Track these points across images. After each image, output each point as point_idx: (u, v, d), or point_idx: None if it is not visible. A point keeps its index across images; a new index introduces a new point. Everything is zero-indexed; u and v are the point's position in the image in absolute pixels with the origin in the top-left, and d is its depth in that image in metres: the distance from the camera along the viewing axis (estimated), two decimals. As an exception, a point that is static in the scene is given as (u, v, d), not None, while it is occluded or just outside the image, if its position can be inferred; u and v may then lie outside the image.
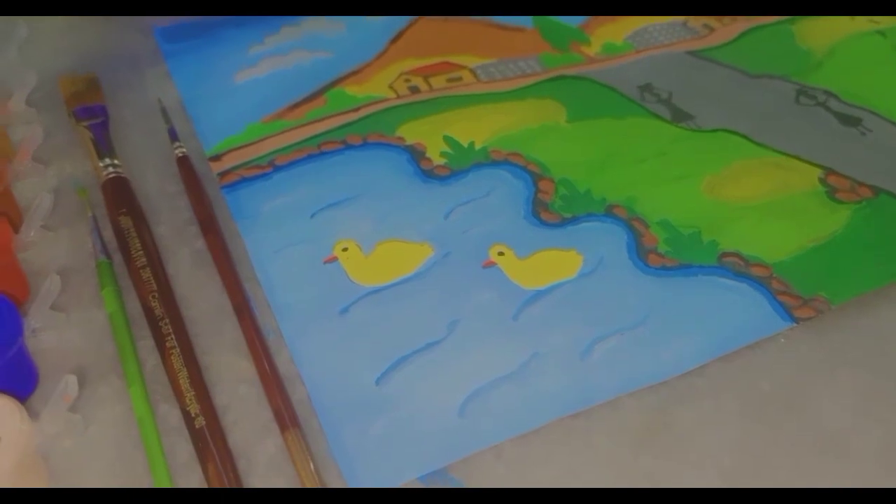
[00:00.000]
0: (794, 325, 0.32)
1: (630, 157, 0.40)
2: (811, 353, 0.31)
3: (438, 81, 0.45)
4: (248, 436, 0.28)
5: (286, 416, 0.27)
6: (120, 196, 0.35)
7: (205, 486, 0.26)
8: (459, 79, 0.45)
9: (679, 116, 0.43)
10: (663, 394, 0.30)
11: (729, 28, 0.50)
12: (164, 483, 0.25)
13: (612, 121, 0.43)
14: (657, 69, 0.46)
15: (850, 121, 0.43)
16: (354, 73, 0.46)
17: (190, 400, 0.27)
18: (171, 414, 0.28)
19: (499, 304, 0.33)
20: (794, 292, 0.33)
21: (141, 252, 0.32)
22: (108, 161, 0.37)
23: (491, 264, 0.34)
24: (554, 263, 0.34)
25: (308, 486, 0.26)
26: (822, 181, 0.39)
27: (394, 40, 0.48)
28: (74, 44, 0.47)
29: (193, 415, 0.27)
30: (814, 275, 0.34)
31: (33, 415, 0.27)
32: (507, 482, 0.27)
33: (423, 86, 0.45)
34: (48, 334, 0.30)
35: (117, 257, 0.33)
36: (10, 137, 0.37)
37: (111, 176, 0.36)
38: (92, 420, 0.28)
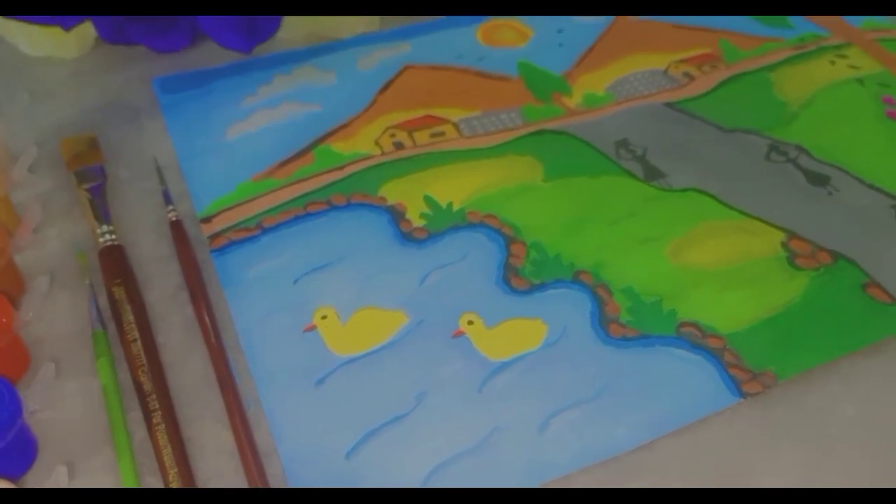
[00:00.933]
0: (741, 399, 0.34)
1: (601, 219, 0.42)
2: (755, 428, 0.33)
3: (422, 137, 0.47)
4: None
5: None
6: (114, 266, 0.37)
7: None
8: (443, 133, 0.47)
9: (651, 174, 0.45)
10: (613, 469, 0.32)
11: (709, 77, 0.52)
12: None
13: (587, 179, 0.45)
14: (634, 123, 0.48)
15: (818, 179, 0.45)
16: (342, 127, 0.48)
17: (173, 477, 0.30)
18: (157, 486, 0.31)
19: (465, 375, 0.35)
20: (745, 366, 0.35)
21: (133, 325, 0.35)
22: (104, 228, 0.39)
23: (460, 334, 0.37)
24: (519, 333, 0.36)
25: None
26: (785, 245, 0.41)
27: (382, 90, 0.50)
28: (77, 96, 0.49)
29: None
30: (765, 348, 0.36)
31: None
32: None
33: (407, 141, 0.47)
34: (46, 413, 0.32)
35: (112, 325, 0.36)
36: (13, 207, 0.40)
37: (107, 244, 0.38)
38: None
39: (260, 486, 0.30)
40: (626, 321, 0.37)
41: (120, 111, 0.48)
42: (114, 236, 0.39)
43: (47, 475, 0.31)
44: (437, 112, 0.49)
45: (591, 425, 0.33)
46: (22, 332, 0.35)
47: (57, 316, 0.37)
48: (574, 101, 0.50)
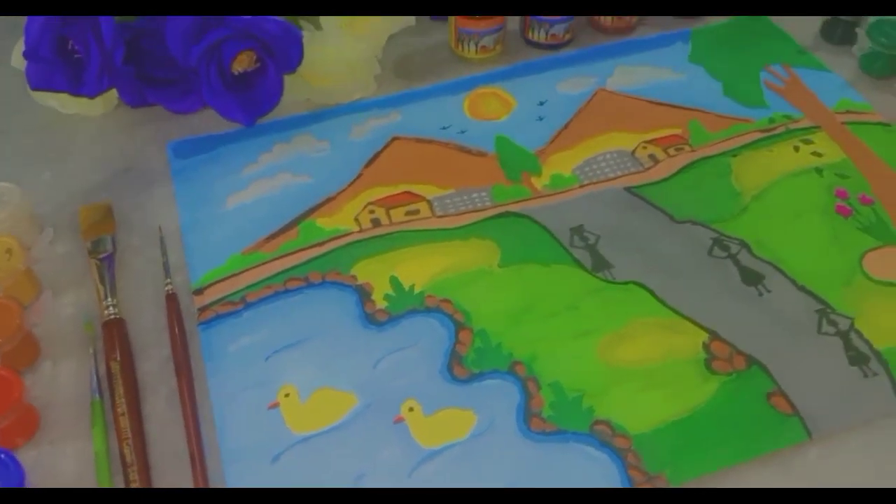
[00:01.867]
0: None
1: (544, 310, 0.47)
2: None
3: (398, 214, 0.52)
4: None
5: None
6: (113, 341, 0.44)
7: None
8: (417, 212, 0.52)
9: (599, 265, 0.49)
10: (511, 557, 0.38)
11: (672, 161, 0.55)
12: None
13: (539, 267, 0.49)
14: (592, 209, 0.52)
15: (752, 278, 0.49)
16: (329, 200, 0.53)
17: (142, 544, 0.37)
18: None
19: (399, 461, 0.41)
20: (643, 468, 0.41)
21: (122, 399, 0.41)
22: (109, 301, 0.46)
23: (400, 420, 0.42)
24: (451, 423, 0.42)
25: None
26: (706, 347, 0.45)
27: (368, 163, 0.55)
28: (100, 156, 0.55)
29: (144, 556, 0.36)
30: (665, 451, 0.41)
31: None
32: None
33: (384, 219, 0.52)
34: (48, 473, 0.40)
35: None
36: (35, 277, 0.47)
37: (110, 318, 0.45)
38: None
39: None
40: (546, 416, 0.42)
41: (136, 176, 0.55)
42: (116, 310, 0.46)
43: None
44: (415, 188, 0.54)
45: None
46: (32, 398, 0.42)
47: (63, 381, 0.44)
48: (541, 181, 0.54)
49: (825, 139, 0.57)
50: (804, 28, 0.65)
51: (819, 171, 0.55)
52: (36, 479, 0.39)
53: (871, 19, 0.61)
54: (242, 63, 0.53)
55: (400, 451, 0.41)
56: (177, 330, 0.45)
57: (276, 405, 0.43)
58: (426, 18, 0.66)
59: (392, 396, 0.43)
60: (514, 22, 0.64)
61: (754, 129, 0.58)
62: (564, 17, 0.62)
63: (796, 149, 0.56)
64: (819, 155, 0.56)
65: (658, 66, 0.62)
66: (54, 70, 0.52)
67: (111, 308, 0.46)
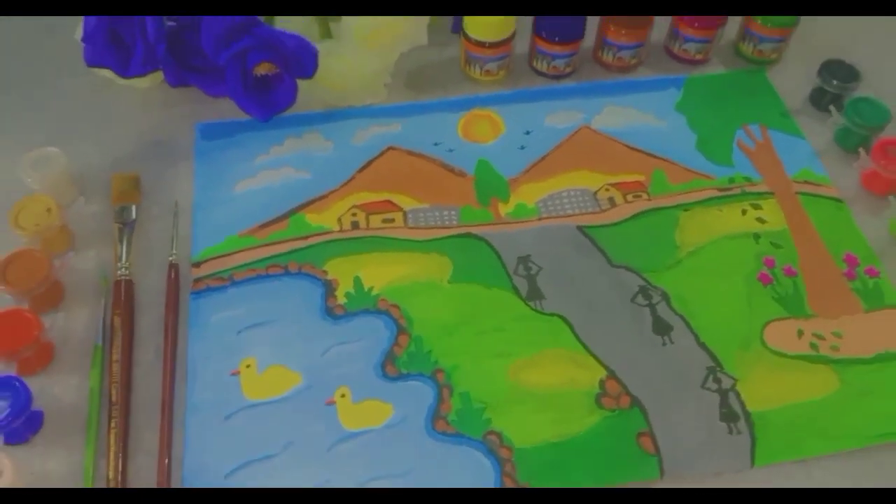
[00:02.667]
0: (499, 503, 0.49)
1: (475, 328, 0.55)
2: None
3: (375, 220, 0.61)
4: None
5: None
6: (120, 298, 0.55)
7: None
8: (392, 220, 0.61)
9: (532, 295, 0.57)
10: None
11: (627, 206, 0.62)
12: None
13: (481, 289, 0.57)
14: (542, 242, 0.60)
15: (662, 328, 0.56)
16: (321, 198, 0.62)
17: (112, 470, 0.48)
18: (101, 467, 0.49)
19: (322, 436, 0.51)
20: (514, 476, 0.49)
21: (118, 348, 0.52)
22: (123, 263, 0.56)
23: (332, 403, 0.52)
24: (372, 412, 0.52)
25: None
26: (601, 383, 0.53)
27: (362, 169, 0.64)
28: (138, 127, 0.65)
29: (110, 477, 0.48)
30: (536, 465, 0.50)
31: (34, 452, 0.49)
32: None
33: (362, 222, 0.61)
34: (54, 396, 0.51)
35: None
36: (69, 233, 0.57)
37: (121, 278, 0.56)
38: (53, 459, 0.49)
39: (164, 484, 0.48)
40: (450, 420, 0.51)
41: (165, 149, 0.64)
42: (128, 271, 0.56)
43: (49, 443, 0.49)
44: (396, 198, 0.62)
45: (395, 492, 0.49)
46: (50, 336, 0.53)
47: (77, 325, 0.54)
48: (506, 209, 0.62)
49: (774, 207, 0.62)
50: (797, 89, 0.70)
51: (757, 237, 0.60)
52: (41, 402, 0.51)
53: (852, 96, 0.65)
54: (263, 68, 0.61)
55: (325, 428, 0.51)
56: (172, 297, 0.55)
57: (237, 373, 0.53)
58: (447, 31, 0.72)
59: (330, 382, 0.53)
60: (523, 45, 0.70)
61: (713, 186, 0.63)
62: (566, 52, 0.68)
63: (744, 212, 0.62)
64: (763, 221, 0.61)
65: (643, 111, 0.68)
66: (106, 53, 0.61)
67: (124, 269, 0.56)
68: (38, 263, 0.53)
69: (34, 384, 0.50)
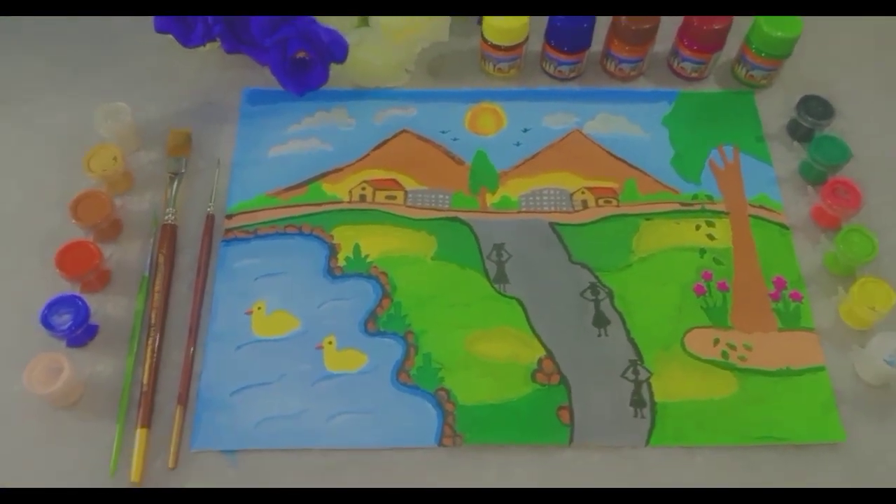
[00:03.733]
0: (437, 446, 0.62)
1: (446, 301, 0.67)
2: (438, 465, 0.61)
3: (380, 196, 0.72)
4: (166, 400, 0.63)
5: (184, 397, 0.62)
6: (164, 239, 0.68)
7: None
8: (394, 198, 0.72)
9: (499, 278, 0.69)
10: (343, 457, 0.61)
11: (597, 210, 0.72)
12: (123, 408, 0.61)
13: (457, 268, 0.69)
14: (517, 233, 0.70)
15: (601, 322, 0.67)
16: (337, 170, 0.73)
17: (147, 378, 0.62)
18: (137, 373, 0.63)
19: (309, 373, 0.64)
20: (453, 425, 0.62)
21: (160, 281, 0.66)
22: (170, 209, 0.70)
23: (320, 348, 0.65)
24: (350, 359, 0.64)
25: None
26: (539, 361, 0.65)
27: (377, 147, 0.75)
28: (194, 86, 0.77)
29: (144, 383, 0.62)
30: (472, 421, 0.62)
31: (89, 355, 0.64)
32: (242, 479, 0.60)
33: (369, 196, 0.72)
34: (108, 311, 0.65)
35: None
36: (131, 176, 0.70)
37: (167, 222, 0.69)
38: (102, 363, 0.63)
39: (184, 393, 0.62)
40: (412, 374, 0.64)
41: (216, 109, 0.76)
42: (173, 217, 0.69)
43: (100, 350, 0.64)
44: (401, 178, 0.73)
45: (357, 426, 0.62)
46: (109, 263, 0.67)
47: (131, 256, 0.68)
48: (492, 199, 0.72)
49: (725, 226, 0.71)
50: (779, 115, 0.77)
51: (703, 251, 0.70)
52: (98, 316, 0.65)
53: (820, 134, 0.73)
54: (300, 53, 0.72)
55: (311, 367, 0.64)
56: (205, 243, 0.68)
57: (250, 312, 0.66)
58: (472, 22, 0.81)
59: (321, 330, 0.66)
60: (537, 43, 0.78)
61: (677, 199, 0.73)
62: (572, 60, 0.76)
63: (697, 227, 0.71)
64: (712, 238, 0.71)
65: (632, 121, 0.77)
66: (172, 24, 0.72)
67: (170, 215, 0.69)
68: (103, 203, 0.66)
69: (93, 301, 0.64)
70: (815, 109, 0.74)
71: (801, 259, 0.70)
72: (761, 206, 0.72)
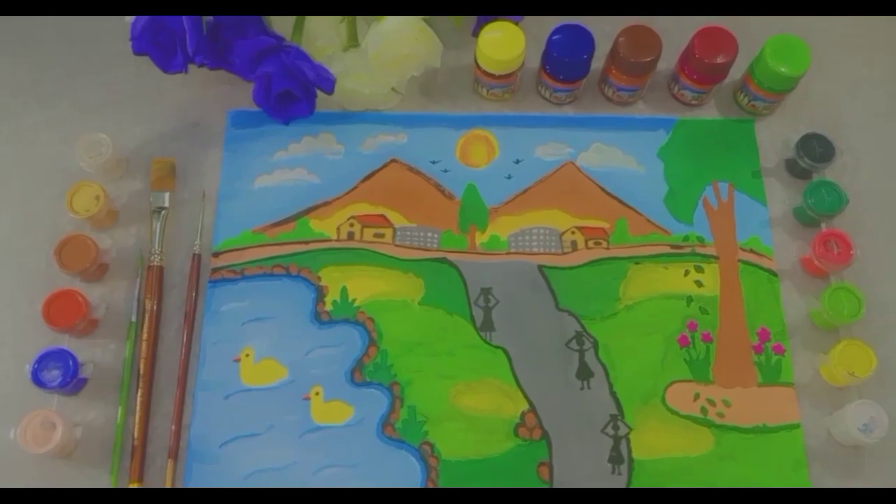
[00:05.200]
0: (419, 502, 0.64)
1: (431, 349, 0.68)
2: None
3: (368, 234, 0.72)
4: (157, 451, 0.64)
5: (174, 450, 0.64)
6: (151, 283, 0.68)
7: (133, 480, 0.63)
8: (382, 235, 0.72)
9: (485, 326, 0.69)
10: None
11: (586, 252, 0.71)
12: (115, 461, 0.63)
13: (443, 314, 0.69)
14: (505, 277, 0.70)
15: (584, 374, 0.68)
16: (325, 204, 0.72)
17: (137, 432, 0.64)
18: (129, 423, 0.65)
19: (297, 425, 0.65)
20: (436, 481, 0.64)
21: (147, 328, 0.66)
22: (156, 249, 0.69)
23: (307, 398, 0.67)
24: (336, 411, 0.66)
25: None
26: (522, 415, 0.67)
27: (365, 179, 0.73)
28: (178, 106, 0.74)
29: (135, 437, 0.64)
30: (454, 476, 0.64)
31: (80, 403, 0.65)
32: None
33: (357, 234, 0.72)
34: (96, 361, 0.66)
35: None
36: (116, 213, 0.69)
37: (153, 264, 0.69)
38: (93, 410, 0.65)
39: (174, 445, 0.64)
40: (397, 427, 0.66)
41: (201, 132, 0.74)
42: (160, 258, 0.69)
43: (91, 397, 0.65)
44: (390, 214, 0.72)
45: (343, 480, 0.64)
46: (96, 304, 0.67)
47: (117, 297, 0.68)
48: (480, 239, 0.72)
49: (713, 273, 0.71)
50: (779, 148, 0.75)
51: (690, 300, 0.70)
52: (86, 362, 0.65)
53: (817, 178, 0.72)
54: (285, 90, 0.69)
55: (298, 419, 0.66)
56: (191, 287, 0.68)
57: (237, 360, 0.67)
58: (468, 37, 0.77)
59: (308, 380, 0.67)
60: (533, 60, 0.75)
61: (667, 241, 0.72)
62: (568, 88, 0.74)
63: (686, 273, 0.71)
64: (700, 285, 0.71)
65: (627, 153, 0.75)
66: (151, 49, 0.69)
67: (156, 256, 0.69)
68: (88, 248, 0.66)
69: (82, 346, 0.65)
70: (814, 151, 0.72)
71: (787, 308, 0.70)
72: (752, 251, 0.72)
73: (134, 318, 0.67)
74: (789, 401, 0.67)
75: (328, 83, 0.68)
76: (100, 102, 0.74)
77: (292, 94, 0.70)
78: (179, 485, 0.63)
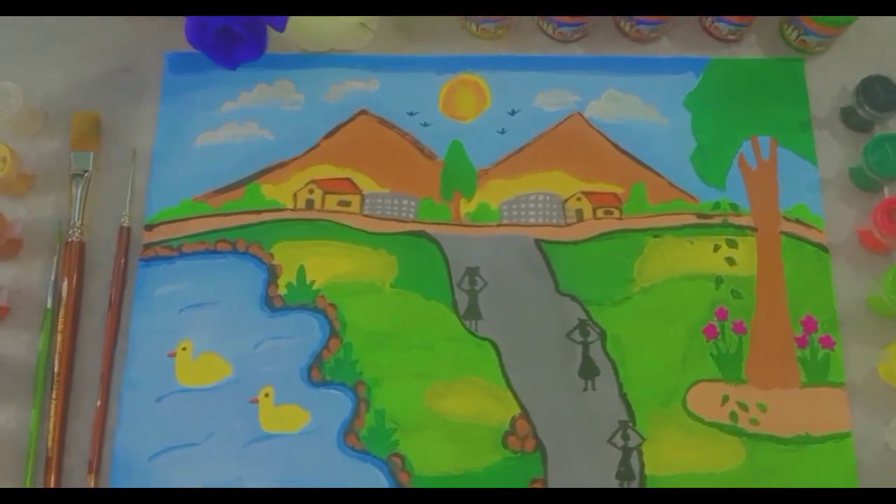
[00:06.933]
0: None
1: (405, 342, 0.57)
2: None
3: (331, 201, 0.60)
4: (77, 464, 0.54)
5: (96, 463, 0.54)
6: (71, 260, 0.57)
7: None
8: (348, 203, 0.60)
9: (470, 314, 0.57)
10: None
11: (594, 224, 0.59)
12: (28, 473, 0.53)
13: (420, 299, 0.58)
14: (496, 254, 0.58)
15: (589, 371, 0.57)
16: (280, 165, 0.60)
17: (52, 441, 0.53)
18: (44, 429, 0.54)
19: (240, 433, 0.55)
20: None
21: (65, 316, 0.55)
22: (76, 220, 0.58)
23: (255, 401, 0.56)
24: (289, 417, 0.55)
25: None
26: (512, 421, 0.55)
27: (329, 135, 0.61)
28: (105, 48, 0.62)
29: (49, 447, 0.54)
30: (430, 496, 0.54)
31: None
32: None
33: (318, 202, 0.60)
34: (6, 353, 0.55)
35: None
36: (31, 179, 0.58)
37: (72, 238, 0.57)
38: (3, 413, 0.54)
39: (94, 457, 0.53)
40: (361, 436, 0.55)
41: (132, 80, 0.62)
42: (80, 232, 0.57)
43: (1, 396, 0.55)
44: (357, 177, 0.60)
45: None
46: (7, 286, 0.56)
47: (31, 279, 0.57)
48: (467, 208, 0.59)
49: (750, 248, 0.59)
50: (834, 94, 0.62)
51: (719, 280, 0.58)
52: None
53: (880, 132, 0.58)
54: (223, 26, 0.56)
55: (243, 425, 0.55)
56: (118, 267, 0.57)
57: (173, 354, 0.56)
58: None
59: (257, 379, 0.56)
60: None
61: (693, 210, 0.60)
62: (577, 21, 0.61)
63: (716, 248, 0.59)
64: (732, 263, 0.58)
65: (646, 101, 0.62)
66: None
67: (76, 230, 0.57)
68: (-7, 221, 0.55)
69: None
70: (877, 97, 0.59)
71: (840, 293, 0.58)
72: (798, 221, 0.59)
73: (49, 305, 0.56)
74: (839, 405, 0.55)
75: (279, 18, 0.55)
76: (8, 45, 0.62)
77: (234, 32, 0.57)
78: (101, 505, 0.52)
